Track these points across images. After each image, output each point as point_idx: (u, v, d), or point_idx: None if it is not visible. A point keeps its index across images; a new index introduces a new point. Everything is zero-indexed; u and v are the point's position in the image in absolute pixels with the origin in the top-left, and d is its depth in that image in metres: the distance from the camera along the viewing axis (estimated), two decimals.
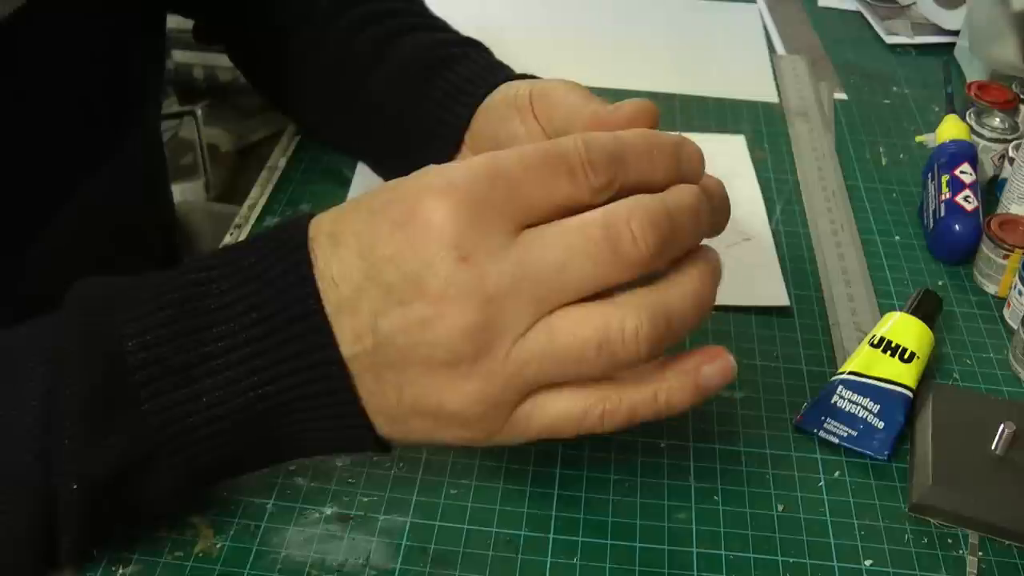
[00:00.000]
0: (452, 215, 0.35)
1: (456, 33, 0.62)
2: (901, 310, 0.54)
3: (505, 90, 0.53)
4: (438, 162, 0.55)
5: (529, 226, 0.36)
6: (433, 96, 0.56)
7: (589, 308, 0.36)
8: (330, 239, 0.37)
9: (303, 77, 0.63)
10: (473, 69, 0.56)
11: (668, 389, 0.39)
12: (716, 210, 0.41)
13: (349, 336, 0.36)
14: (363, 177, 0.66)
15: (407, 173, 0.59)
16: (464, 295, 0.34)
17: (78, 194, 0.53)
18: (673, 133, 0.41)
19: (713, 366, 0.39)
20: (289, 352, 0.36)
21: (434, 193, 0.35)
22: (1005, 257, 0.59)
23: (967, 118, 0.69)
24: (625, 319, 0.36)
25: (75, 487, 0.37)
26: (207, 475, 0.40)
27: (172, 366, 0.36)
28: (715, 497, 0.47)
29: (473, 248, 0.35)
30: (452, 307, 0.35)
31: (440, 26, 0.63)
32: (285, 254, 0.37)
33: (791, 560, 0.44)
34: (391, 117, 0.58)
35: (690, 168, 0.39)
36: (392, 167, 0.62)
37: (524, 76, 0.56)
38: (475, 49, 0.60)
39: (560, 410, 0.38)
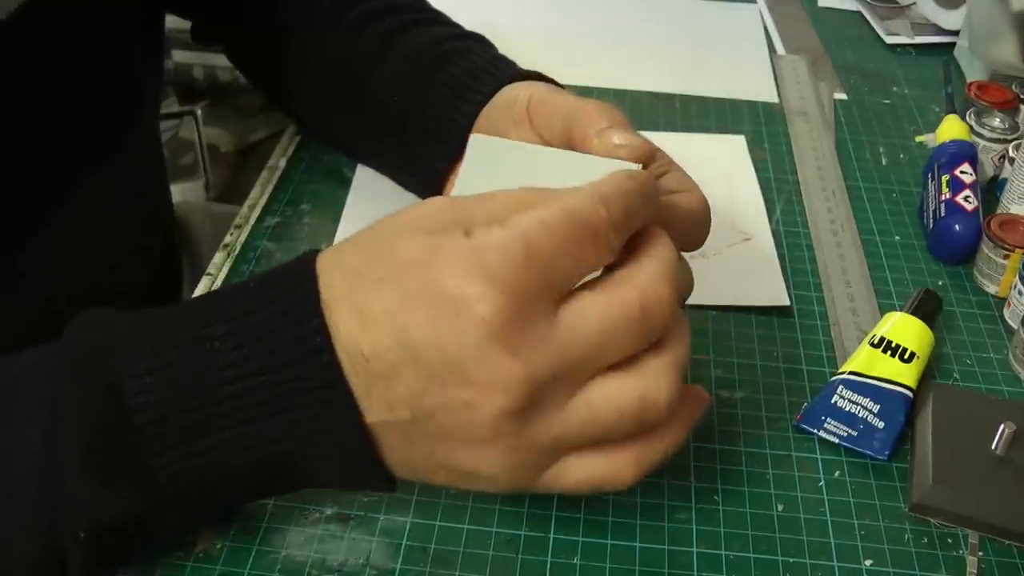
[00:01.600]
0: (496, 307, 0.34)
1: (457, 26, 0.62)
2: (901, 310, 0.54)
3: (507, 93, 0.53)
4: (444, 158, 0.55)
5: (563, 297, 0.36)
6: (439, 92, 0.56)
7: (624, 380, 0.37)
8: (355, 314, 0.35)
9: (304, 77, 0.63)
10: (477, 63, 0.56)
11: (674, 443, 0.40)
12: (700, 224, 0.45)
13: (380, 405, 0.36)
14: (363, 177, 0.66)
15: (410, 171, 0.58)
16: (509, 385, 0.34)
17: (78, 193, 0.53)
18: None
19: (699, 410, 0.41)
20: (309, 415, 0.36)
21: (475, 282, 0.34)
22: (1005, 257, 0.58)
23: (967, 118, 0.69)
24: (659, 389, 0.37)
25: (82, 534, 0.36)
26: (214, 510, 0.41)
27: (179, 424, 0.36)
28: (715, 497, 0.47)
29: (518, 340, 0.34)
30: (497, 394, 0.35)
31: (442, 20, 0.63)
32: (298, 319, 0.36)
33: (791, 560, 0.44)
34: (395, 114, 0.58)
35: (657, 205, 0.40)
36: (395, 164, 0.62)
37: (531, 74, 0.55)
38: (478, 43, 0.59)
39: (588, 474, 0.38)
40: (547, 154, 0.46)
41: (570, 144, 0.47)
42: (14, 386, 0.38)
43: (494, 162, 0.45)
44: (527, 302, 0.34)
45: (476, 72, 0.55)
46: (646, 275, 0.37)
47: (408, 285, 0.35)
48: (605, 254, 0.36)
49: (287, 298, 0.37)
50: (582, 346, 0.35)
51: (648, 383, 0.37)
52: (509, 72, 0.55)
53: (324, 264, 0.37)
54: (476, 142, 0.46)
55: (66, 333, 0.38)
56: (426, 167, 0.57)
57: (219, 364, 0.36)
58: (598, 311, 0.36)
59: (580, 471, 0.38)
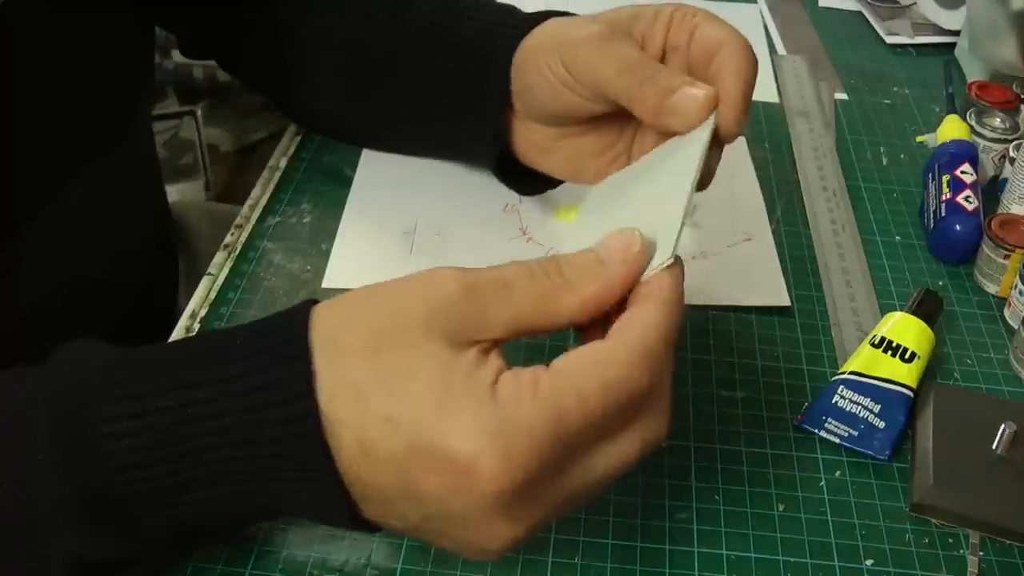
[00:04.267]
0: (508, 487, 0.33)
1: None
2: (902, 310, 0.54)
3: (535, 37, 0.52)
4: (490, 115, 0.54)
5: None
6: (463, 48, 0.55)
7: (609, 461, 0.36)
8: (356, 443, 0.34)
9: (317, 67, 0.62)
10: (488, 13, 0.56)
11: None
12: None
13: (375, 511, 0.36)
14: (364, 177, 0.66)
15: (451, 138, 0.57)
16: (507, 540, 0.35)
17: (69, 189, 0.53)
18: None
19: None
20: (298, 488, 0.36)
21: (491, 456, 0.33)
22: (1006, 257, 0.59)
23: (968, 118, 0.69)
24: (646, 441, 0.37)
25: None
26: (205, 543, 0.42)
27: (162, 486, 0.35)
28: (716, 497, 0.47)
29: (523, 509, 0.34)
30: (494, 545, 0.35)
31: None
32: (287, 398, 0.34)
33: (792, 560, 0.44)
34: (425, 67, 0.58)
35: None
36: (429, 130, 0.61)
37: (548, 14, 0.54)
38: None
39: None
40: (639, 167, 0.49)
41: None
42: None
43: (605, 193, 0.49)
44: (542, 476, 0.34)
45: (496, 23, 0.54)
46: (651, 426, 0.36)
47: (419, 439, 0.33)
48: (632, 417, 0.36)
49: (276, 370, 0.35)
50: (582, 491, 0.36)
51: (631, 451, 0.36)
52: (525, 23, 0.53)
53: (320, 345, 0.35)
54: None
55: (44, 374, 0.37)
56: (479, 109, 0.55)
57: (201, 431, 0.35)
58: (605, 464, 0.35)
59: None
